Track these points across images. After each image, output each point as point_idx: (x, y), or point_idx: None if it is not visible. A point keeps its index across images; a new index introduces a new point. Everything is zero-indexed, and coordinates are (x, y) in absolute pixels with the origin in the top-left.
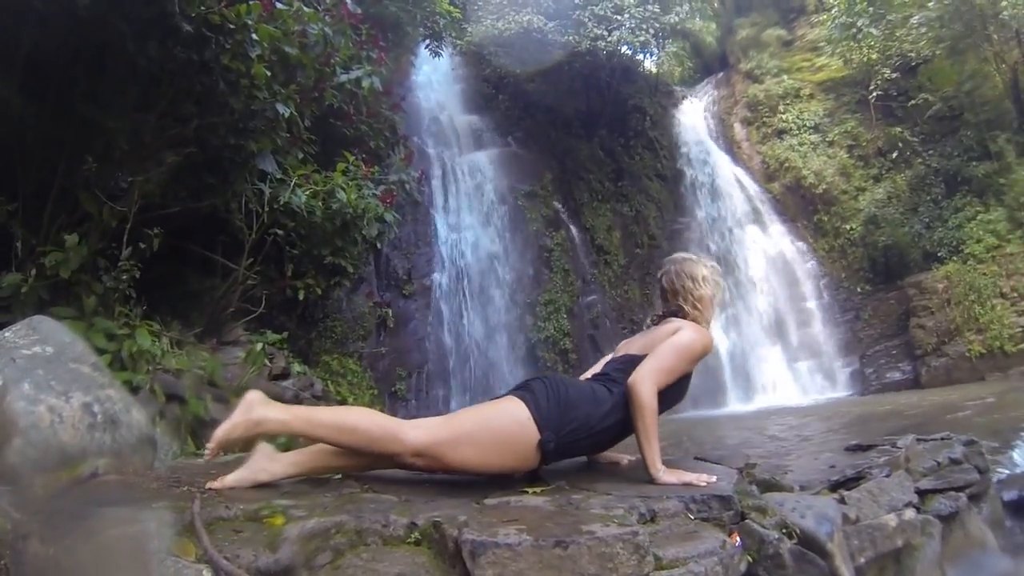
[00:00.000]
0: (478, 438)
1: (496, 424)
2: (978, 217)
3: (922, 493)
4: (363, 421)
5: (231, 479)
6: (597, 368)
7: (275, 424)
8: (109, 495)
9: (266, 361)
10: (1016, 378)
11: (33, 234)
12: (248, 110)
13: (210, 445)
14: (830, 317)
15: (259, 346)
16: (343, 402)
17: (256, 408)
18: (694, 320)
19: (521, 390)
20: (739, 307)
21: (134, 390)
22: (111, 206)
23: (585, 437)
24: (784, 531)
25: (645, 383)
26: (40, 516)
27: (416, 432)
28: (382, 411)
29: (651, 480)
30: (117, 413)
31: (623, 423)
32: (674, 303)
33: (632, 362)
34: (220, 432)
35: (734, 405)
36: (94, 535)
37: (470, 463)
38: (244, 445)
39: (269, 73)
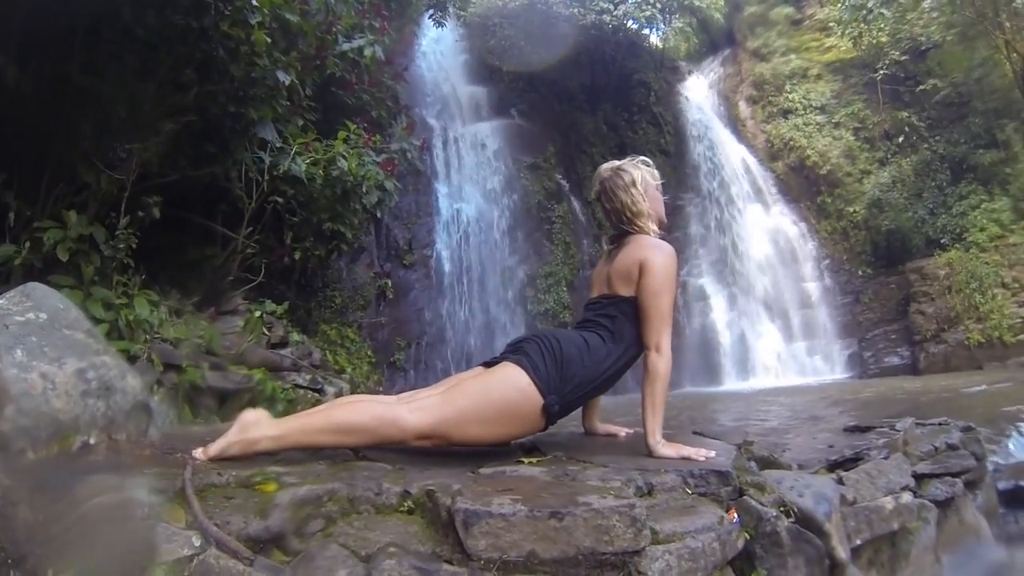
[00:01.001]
0: (482, 413)
1: (498, 395)
2: (982, 206)
3: (918, 477)
4: (358, 417)
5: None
6: None
7: (270, 442)
8: (99, 463)
9: (265, 330)
10: (1014, 368)
11: (29, 205)
12: (248, 77)
13: (199, 454)
14: (830, 299)
15: (258, 315)
16: (341, 371)
17: (251, 429)
18: (647, 232)
19: (516, 354)
20: (739, 286)
21: (132, 359)
22: (109, 175)
23: (588, 391)
24: (782, 509)
25: (663, 351)
26: (29, 483)
27: (416, 416)
28: (380, 381)
29: (649, 452)
30: (112, 379)
31: (622, 367)
32: (620, 224)
33: (614, 303)
34: (214, 450)
35: (730, 383)
36: (80, 502)
37: (476, 438)
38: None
39: (270, 40)
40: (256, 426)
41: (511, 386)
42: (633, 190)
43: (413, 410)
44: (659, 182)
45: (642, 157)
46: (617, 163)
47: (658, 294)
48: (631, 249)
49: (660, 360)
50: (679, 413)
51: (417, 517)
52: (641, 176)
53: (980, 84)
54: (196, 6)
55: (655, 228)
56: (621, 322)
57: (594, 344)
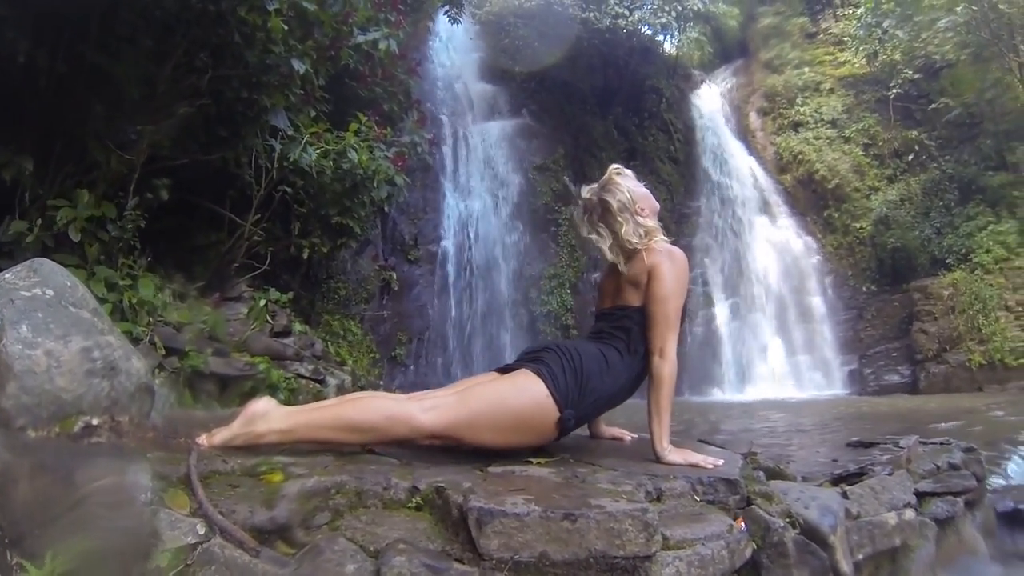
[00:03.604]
0: (497, 420)
1: (514, 404)
2: (989, 227)
3: (920, 495)
4: (369, 415)
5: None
6: None
7: (277, 435)
8: (102, 444)
9: (268, 318)
10: (1015, 391)
11: (39, 182)
12: (263, 64)
13: (202, 440)
14: (833, 314)
15: (262, 303)
16: (342, 363)
17: (257, 422)
18: (655, 241)
19: (535, 362)
20: (742, 296)
21: (134, 341)
22: (119, 155)
23: (604, 406)
24: (788, 520)
25: (667, 356)
26: (31, 461)
27: (429, 416)
28: (380, 375)
29: (657, 458)
30: (116, 360)
31: (637, 378)
32: (630, 246)
33: (627, 314)
34: (218, 439)
35: (730, 394)
36: (82, 485)
37: (487, 443)
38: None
39: (286, 28)
40: (264, 419)
41: (528, 396)
42: (622, 217)
43: (426, 409)
44: (639, 183)
45: (612, 167)
46: (592, 196)
47: (664, 299)
48: (642, 256)
49: (664, 365)
50: (679, 420)
51: (426, 514)
52: (626, 193)
53: (992, 105)
54: None
55: (662, 236)
56: (636, 334)
57: (613, 360)
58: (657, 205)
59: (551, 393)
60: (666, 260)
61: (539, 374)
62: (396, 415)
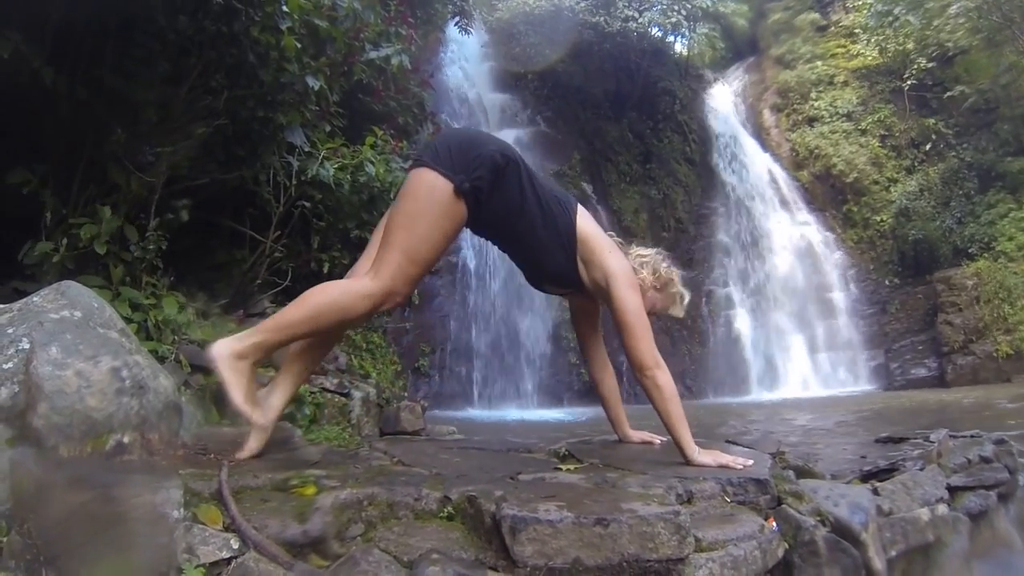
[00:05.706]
0: (420, 234)
1: (423, 209)
2: (1011, 214)
3: (952, 490)
4: (325, 298)
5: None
6: None
7: (259, 350)
8: (134, 462)
9: None
10: None
11: (63, 204)
12: (277, 82)
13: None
14: (856, 309)
15: None
16: (366, 376)
17: (234, 359)
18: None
19: (420, 152)
20: (764, 295)
21: (160, 360)
22: (140, 177)
23: (498, 180)
24: (818, 519)
25: (663, 367)
26: (64, 480)
27: (374, 281)
28: (405, 386)
29: (686, 460)
30: (145, 379)
31: (521, 215)
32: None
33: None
34: (256, 417)
35: (755, 394)
36: (118, 503)
37: (431, 256)
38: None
39: (299, 46)
40: (234, 357)
41: (421, 191)
42: (645, 273)
43: (368, 278)
44: (680, 303)
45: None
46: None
47: (631, 311)
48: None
49: (664, 374)
50: (705, 422)
51: (457, 523)
52: (668, 280)
53: (1007, 90)
54: (227, 11)
55: (642, 272)
56: (553, 220)
57: (525, 164)
58: (651, 308)
59: (436, 171)
60: (624, 276)
61: (419, 162)
62: (349, 289)
